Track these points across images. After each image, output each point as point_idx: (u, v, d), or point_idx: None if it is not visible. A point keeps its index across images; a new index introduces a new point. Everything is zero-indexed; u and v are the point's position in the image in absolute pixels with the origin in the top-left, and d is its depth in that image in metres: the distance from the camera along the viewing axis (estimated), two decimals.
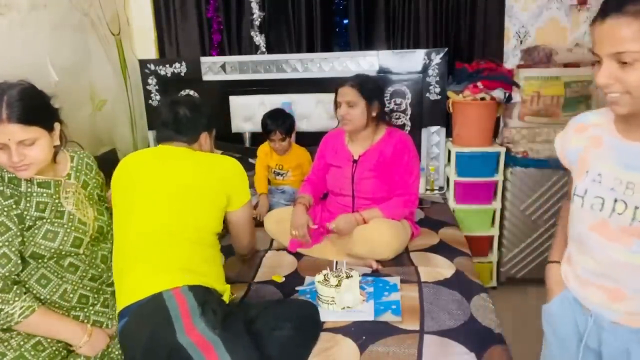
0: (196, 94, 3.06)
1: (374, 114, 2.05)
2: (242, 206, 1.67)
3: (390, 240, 1.97)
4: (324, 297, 1.70)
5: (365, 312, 1.67)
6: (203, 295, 1.40)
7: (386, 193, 2.13)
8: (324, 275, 1.76)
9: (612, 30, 0.95)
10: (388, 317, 1.65)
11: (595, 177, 1.09)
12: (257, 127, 2.80)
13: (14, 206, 1.37)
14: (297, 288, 1.86)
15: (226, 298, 1.54)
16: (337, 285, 1.69)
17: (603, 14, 0.97)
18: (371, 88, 2.06)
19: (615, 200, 1.04)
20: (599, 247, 1.09)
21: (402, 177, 2.10)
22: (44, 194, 1.44)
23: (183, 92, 3.08)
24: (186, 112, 1.67)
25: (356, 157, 2.16)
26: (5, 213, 1.35)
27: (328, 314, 1.67)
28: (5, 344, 1.40)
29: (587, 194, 1.09)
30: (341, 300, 1.69)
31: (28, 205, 1.40)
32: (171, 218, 1.52)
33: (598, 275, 1.11)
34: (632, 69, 0.95)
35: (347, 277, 1.73)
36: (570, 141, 1.19)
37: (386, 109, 2.14)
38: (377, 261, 2.01)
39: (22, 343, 1.42)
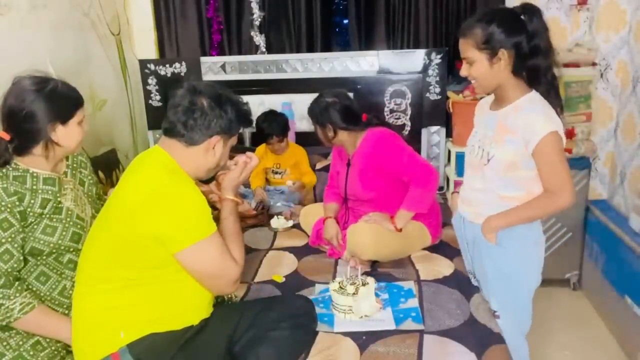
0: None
1: (330, 134, 2.13)
2: (188, 247, 1.30)
3: (365, 242, 1.97)
4: (340, 306, 1.65)
5: (386, 321, 1.62)
6: (140, 351, 1.31)
7: (374, 195, 2.13)
8: (339, 283, 1.70)
9: None
10: (409, 325, 1.61)
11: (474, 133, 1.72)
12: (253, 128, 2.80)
13: (17, 203, 1.38)
14: (310, 297, 1.73)
15: (194, 320, 1.41)
16: (354, 294, 1.64)
17: None
18: (316, 115, 2.16)
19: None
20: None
21: (398, 168, 2.07)
22: (49, 191, 1.45)
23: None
24: (203, 104, 1.38)
25: (349, 160, 2.20)
26: (8, 210, 1.36)
27: (346, 324, 1.61)
28: (4, 343, 1.40)
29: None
30: (359, 309, 1.64)
31: (32, 202, 1.41)
32: (97, 257, 1.37)
33: (465, 191, 1.70)
34: None
35: (363, 284, 1.68)
36: None
37: (360, 112, 2.17)
38: (374, 262, 2.06)
39: (20, 343, 1.42)
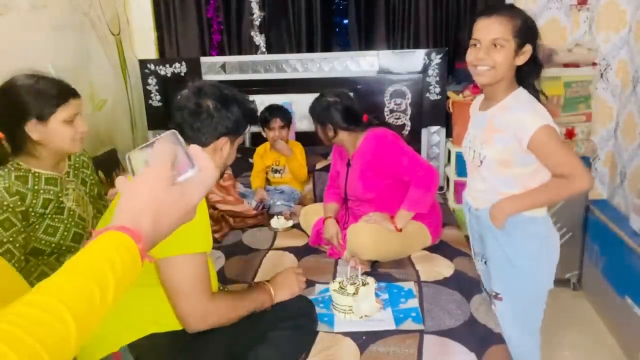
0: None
1: (330, 134, 2.14)
2: (175, 256, 1.22)
3: (366, 242, 1.97)
4: (341, 306, 1.64)
5: (386, 321, 1.62)
6: (141, 350, 1.29)
7: (374, 195, 2.13)
8: (339, 283, 1.70)
9: None
10: (409, 325, 1.60)
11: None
12: (257, 127, 2.80)
13: (19, 203, 1.38)
14: (310, 297, 1.72)
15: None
16: (354, 294, 1.63)
17: None
18: (317, 114, 2.16)
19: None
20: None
21: (399, 169, 2.07)
22: (51, 191, 1.44)
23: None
24: (209, 106, 1.37)
25: (349, 160, 2.20)
26: (10, 209, 1.36)
27: (346, 324, 1.61)
28: None
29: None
30: (359, 309, 1.63)
31: (34, 201, 1.41)
32: None
33: (470, 191, 1.74)
34: None
35: (364, 284, 1.68)
36: None
37: (362, 113, 2.17)
38: (374, 262, 2.06)
39: None
